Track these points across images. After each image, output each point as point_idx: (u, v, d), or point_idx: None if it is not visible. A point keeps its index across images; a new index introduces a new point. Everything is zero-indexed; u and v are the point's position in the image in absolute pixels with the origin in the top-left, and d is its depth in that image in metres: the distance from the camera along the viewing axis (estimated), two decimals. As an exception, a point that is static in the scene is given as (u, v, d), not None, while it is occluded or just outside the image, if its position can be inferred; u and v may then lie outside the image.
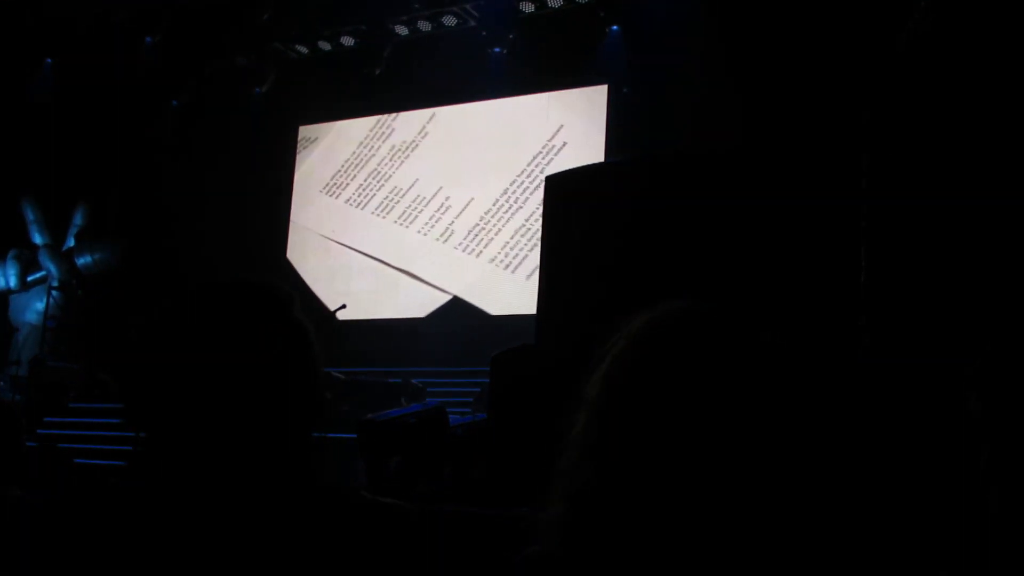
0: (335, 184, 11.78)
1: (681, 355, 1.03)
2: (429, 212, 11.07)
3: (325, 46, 11.54)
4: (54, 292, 11.22)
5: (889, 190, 3.36)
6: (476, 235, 10.73)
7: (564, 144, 10.37)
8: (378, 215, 11.40)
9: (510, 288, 10.26)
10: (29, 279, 11.56)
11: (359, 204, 11.58)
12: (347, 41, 11.37)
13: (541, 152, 10.52)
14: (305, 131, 12.07)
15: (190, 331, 1.12)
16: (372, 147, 11.59)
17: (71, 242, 11.63)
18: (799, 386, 1.06)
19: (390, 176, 11.41)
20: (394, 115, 11.40)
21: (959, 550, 1.08)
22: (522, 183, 10.55)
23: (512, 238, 10.51)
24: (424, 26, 10.92)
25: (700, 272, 3.27)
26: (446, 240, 10.90)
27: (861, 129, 3.46)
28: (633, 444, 1.00)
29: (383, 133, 11.53)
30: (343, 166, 11.76)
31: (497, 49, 10.53)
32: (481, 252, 10.67)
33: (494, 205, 10.69)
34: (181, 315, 1.13)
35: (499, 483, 3.30)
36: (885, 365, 3.03)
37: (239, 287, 1.17)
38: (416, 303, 10.79)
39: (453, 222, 10.90)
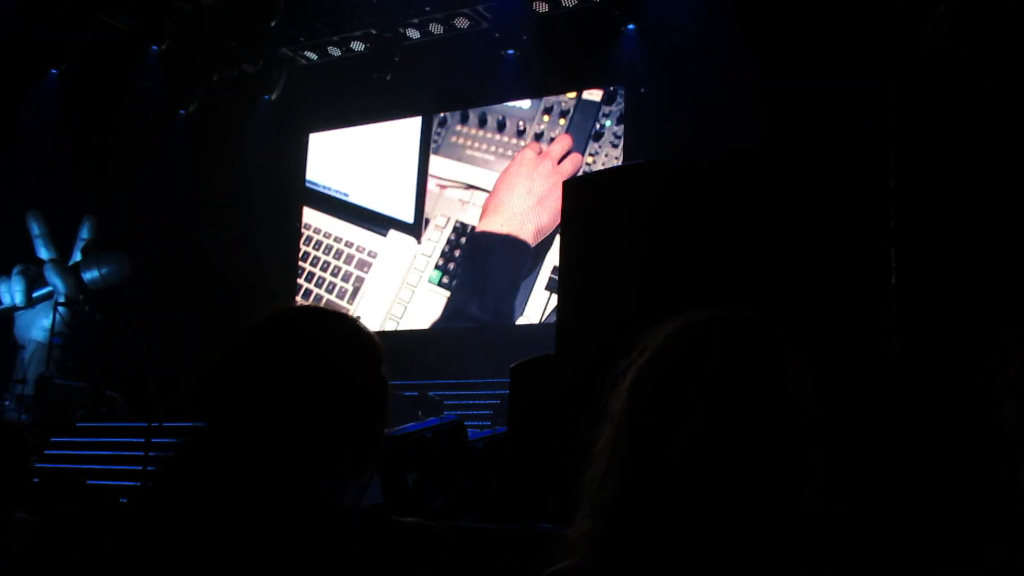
0: (347, 190, 11.62)
1: (707, 364, 1.02)
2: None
3: (335, 52, 11.41)
4: (60, 308, 11.09)
5: (918, 188, 3.29)
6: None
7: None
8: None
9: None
10: (35, 295, 11.47)
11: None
12: (357, 46, 11.22)
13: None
14: (316, 138, 11.96)
15: (294, 350, 1.14)
16: (384, 152, 11.41)
17: (78, 256, 11.51)
18: (829, 395, 1.04)
19: (403, 182, 11.27)
20: (405, 120, 11.23)
21: (993, 557, 1.08)
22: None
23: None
24: (436, 29, 10.74)
25: (725, 277, 3.20)
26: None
27: (886, 126, 3.43)
28: (661, 457, 0.99)
29: (395, 138, 11.36)
30: (354, 172, 11.60)
31: (511, 51, 10.33)
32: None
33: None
34: (286, 332, 1.17)
35: (519, 498, 3.30)
36: (917, 370, 2.99)
37: (351, 324, 1.21)
38: (432, 312, 10.59)
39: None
